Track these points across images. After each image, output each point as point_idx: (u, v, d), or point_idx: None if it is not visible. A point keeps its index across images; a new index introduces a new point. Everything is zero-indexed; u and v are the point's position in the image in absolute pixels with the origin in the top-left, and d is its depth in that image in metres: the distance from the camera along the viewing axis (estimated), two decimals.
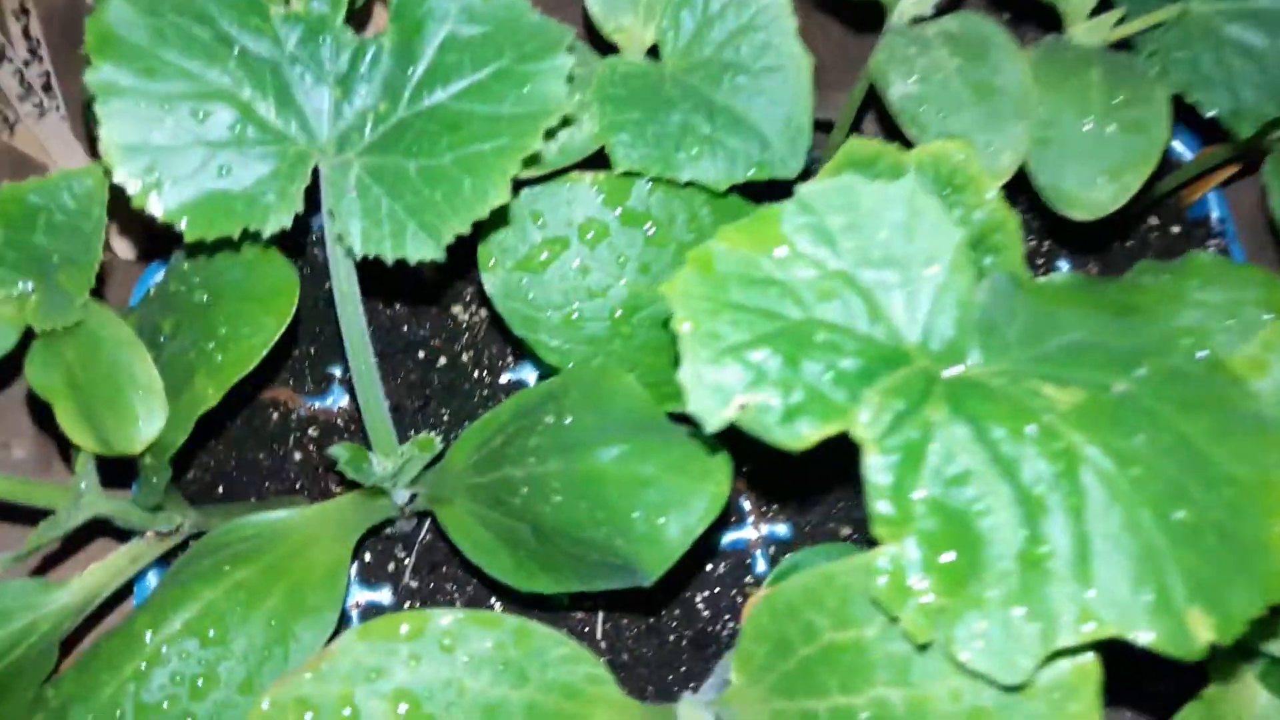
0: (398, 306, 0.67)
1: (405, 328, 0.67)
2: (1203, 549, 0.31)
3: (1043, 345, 0.36)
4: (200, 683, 0.46)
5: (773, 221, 0.36)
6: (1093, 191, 0.45)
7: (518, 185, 0.46)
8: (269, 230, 0.39)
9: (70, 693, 0.46)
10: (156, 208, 0.38)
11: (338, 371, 0.66)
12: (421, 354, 0.67)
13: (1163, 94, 0.47)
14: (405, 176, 0.39)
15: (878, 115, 0.66)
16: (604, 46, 0.48)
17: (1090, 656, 0.33)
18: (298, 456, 0.65)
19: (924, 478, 0.34)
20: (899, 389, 0.34)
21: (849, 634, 0.37)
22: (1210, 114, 0.48)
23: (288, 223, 0.40)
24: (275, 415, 0.66)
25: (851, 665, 0.37)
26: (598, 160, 0.47)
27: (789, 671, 0.39)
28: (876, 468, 0.34)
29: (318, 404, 0.66)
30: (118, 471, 0.54)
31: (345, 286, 0.43)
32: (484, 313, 0.67)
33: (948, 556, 0.33)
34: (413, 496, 0.55)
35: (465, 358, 0.67)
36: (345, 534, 0.53)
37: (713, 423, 0.33)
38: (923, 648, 0.35)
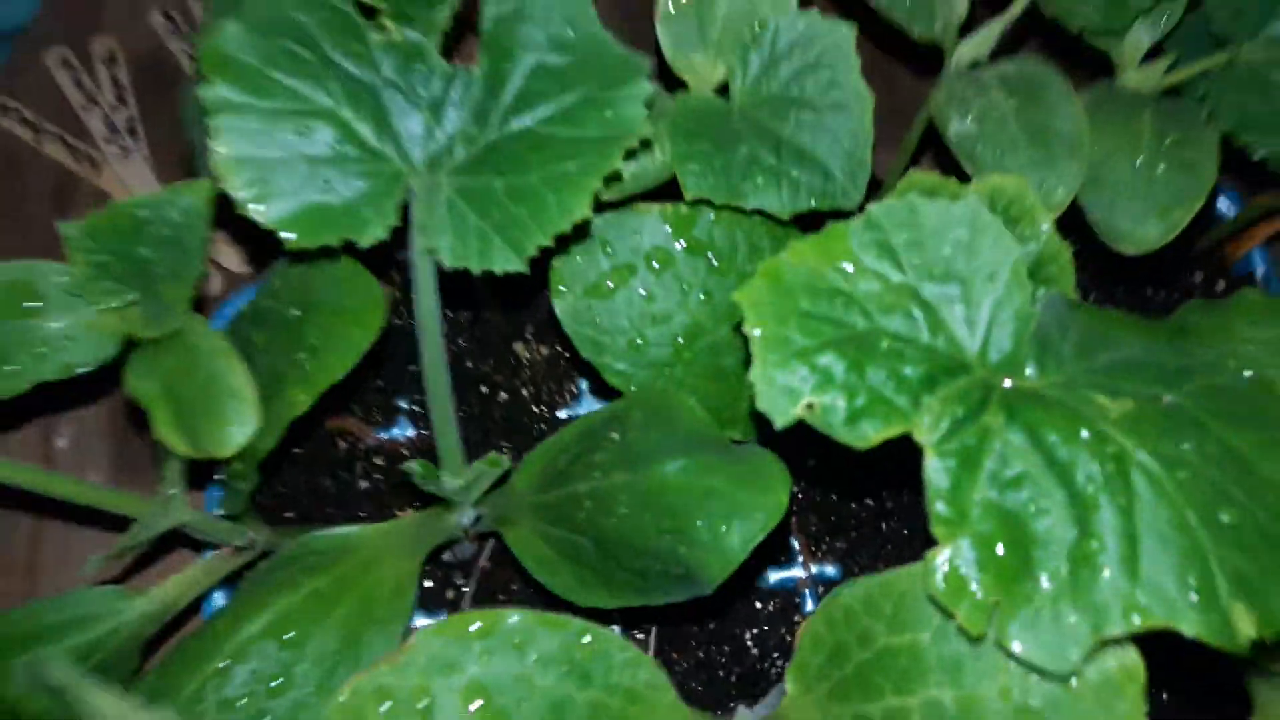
0: (461, 342, 0.70)
1: (469, 362, 0.70)
2: (1246, 549, 0.33)
3: (1095, 360, 0.38)
4: (277, 682, 0.48)
5: (840, 237, 0.38)
6: (1143, 228, 0.47)
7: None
8: (366, 241, 0.42)
9: (155, 688, 0.48)
10: (263, 217, 0.41)
11: (404, 404, 0.69)
12: (484, 389, 0.70)
13: (1211, 136, 0.49)
14: (493, 195, 0.42)
15: (935, 158, 0.68)
16: (674, 83, 0.51)
17: (1135, 656, 0.34)
18: (364, 485, 0.68)
19: (981, 481, 0.35)
20: (959, 396, 0.36)
21: (904, 638, 0.39)
22: (1259, 156, 0.50)
23: (384, 234, 0.42)
24: (343, 445, 0.69)
25: (905, 668, 0.38)
26: (666, 193, 0.50)
27: (844, 678, 0.41)
28: (936, 470, 0.36)
29: (384, 435, 0.69)
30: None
31: (427, 301, 0.46)
32: (544, 350, 0.70)
33: (1002, 554, 0.34)
34: (478, 518, 0.57)
35: (525, 393, 0.70)
36: (412, 550, 0.55)
37: (781, 420, 0.35)
38: (975, 648, 0.36)
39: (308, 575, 0.51)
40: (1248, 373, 0.37)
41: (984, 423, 0.36)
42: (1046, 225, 0.45)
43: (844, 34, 0.47)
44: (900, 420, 0.36)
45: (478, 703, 0.41)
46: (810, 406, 0.35)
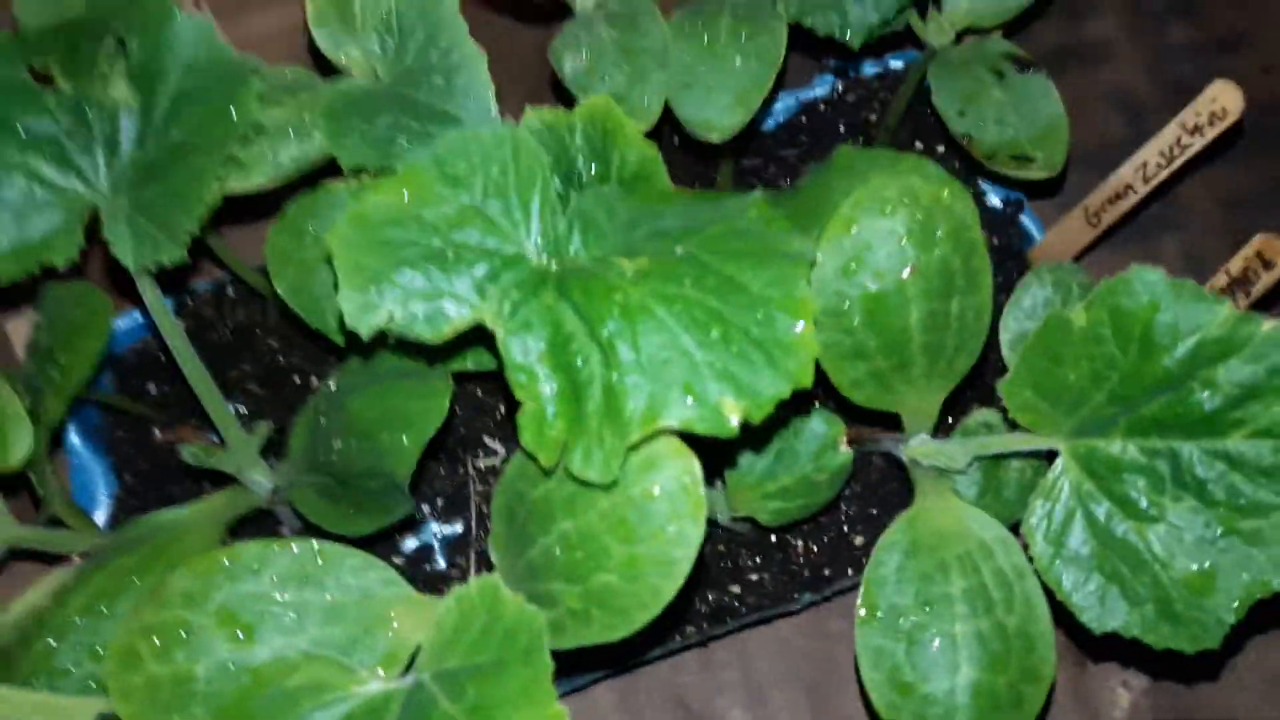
0: (272, 341, 0.78)
1: (281, 358, 0.78)
2: (736, 354, 0.41)
3: (634, 233, 0.46)
4: (99, 648, 0.57)
5: (416, 173, 0.46)
6: (726, 116, 0.55)
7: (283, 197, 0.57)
8: (61, 263, 0.51)
9: None
10: None
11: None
12: (296, 379, 0.78)
13: (778, 23, 0.56)
14: (154, 202, 0.50)
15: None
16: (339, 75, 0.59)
17: (691, 469, 0.42)
18: (208, 485, 0.76)
19: (544, 348, 0.43)
20: (516, 284, 0.44)
21: (540, 490, 0.47)
22: (824, 34, 0.57)
23: (74, 255, 0.51)
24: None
25: (544, 514, 0.47)
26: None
27: (516, 533, 0.49)
28: (509, 347, 0.44)
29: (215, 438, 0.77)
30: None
31: (154, 299, 0.54)
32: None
33: (565, 402, 0.43)
34: (275, 488, 0.65)
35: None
36: (217, 522, 0.63)
37: (366, 330, 0.43)
38: (583, 486, 0.44)
39: (120, 554, 0.59)
40: (755, 213, 0.45)
41: (541, 301, 0.44)
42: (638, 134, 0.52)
43: (448, 5, 0.55)
44: (470, 311, 0.44)
45: (226, 620, 0.49)
46: (391, 317, 0.43)
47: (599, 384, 0.42)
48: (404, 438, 0.50)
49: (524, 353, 0.43)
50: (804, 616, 0.73)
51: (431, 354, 0.57)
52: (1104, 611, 0.45)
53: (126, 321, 0.77)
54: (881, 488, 0.70)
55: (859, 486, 0.70)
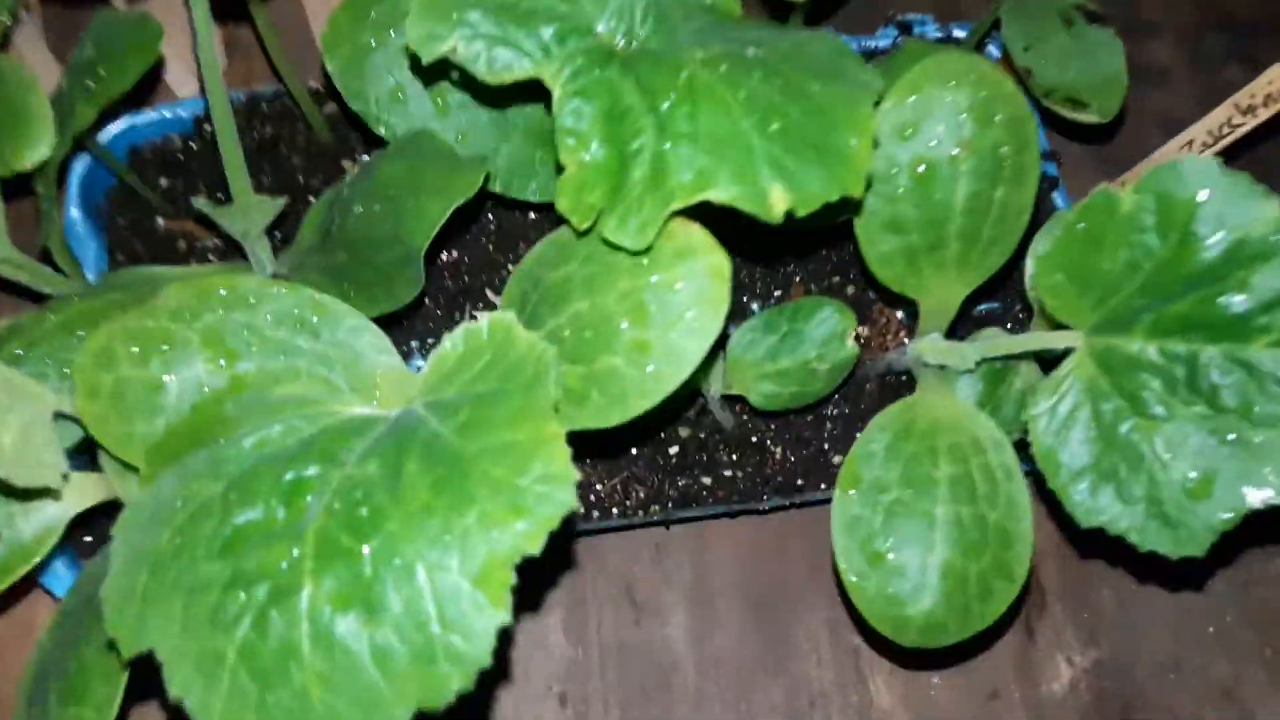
0: (295, 160, 0.77)
1: (301, 178, 0.77)
2: (792, 149, 0.41)
3: (707, 37, 0.46)
4: (67, 369, 0.55)
5: None
6: None
7: None
8: None
9: None
10: None
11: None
12: (313, 199, 0.77)
13: None
14: None
15: None
16: None
17: (721, 265, 0.42)
18: None
19: (598, 114, 0.43)
20: (584, 52, 0.44)
21: (560, 272, 0.46)
22: None
23: None
24: (183, 246, 0.76)
25: (560, 295, 0.46)
26: None
27: (525, 319, 0.48)
28: (564, 110, 0.43)
29: (218, 241, 0.76)
30: None
31: (203, 28, 0.53)
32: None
33: (610, 170, 0.42)
34: (274, 274, 0.64)
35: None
36: None
37: (427, 55, 0.43)
38: (606, 267, 0.44)
39: (106, 291, 0.58)
40: (830, 42, 0.45)
41: (604, 73, 0.44)
42: None
43: None
44: (532, 64, 0.43)
45: (215, 346, 0.48)
46: (454, 49, 0.43)
47: (648, 153, 0.41)
48: (431, 202, 0.49)
49: (577, 117, 0.43)
50: (767, 532, 0.72)
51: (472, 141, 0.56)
52: (1094, 505, 0.45)
53: (151, 116, 0.76)
54: (870, 414, 0.69)
55: (848, 408, 0.69)
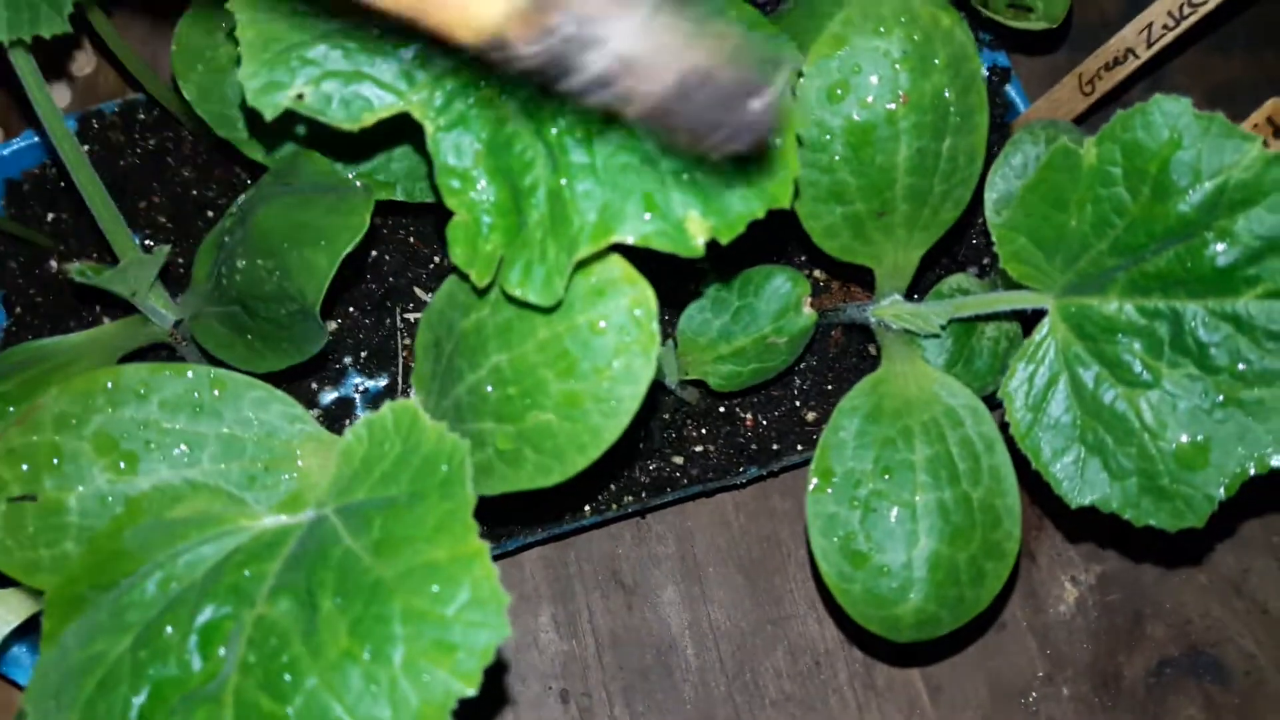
0: (185, 171, 0.71)
1: (194, 190, 0.71)
2: (704, 162, 0.35)
3: None
4: None
5: None
6: None
7: None
8: None
9: None
10: None
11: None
12: (211, 214, 0.71)
13: None
14: None
15: None
16: None
17: (645, 298, 0.37)
18: (106, 319, 0.69)
19: (480, 147, 0.37)
20: (453, 71, 0.38)
21: (471, 319, 0.41)
22: None
23: None
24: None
25: (475, 345, 0.41)
26: None
27: (442, 370, 0.44)
28: (440, 145, 0.38)
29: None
30: None
31: (33, 83, 0.46)
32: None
33: (503, 211, 0.37)
34: (178, 321, 0.59)
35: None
36: (109, 354, 0.57)
37: (271, 112, 0.37)
38: (519, 313, 0.39)
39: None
40: (734, 13, 0.39)
41: (480, 92, 0.38)
42: None
43: None
44: (395, 98, 0.37)
45: (110, 452, 0.44)
46: (300, 96, 0.37)
47: (544, 190, 0.36)
48: (316, 255, 0.44)
49: (457, 153, 0.37)
50: (746, 493, 0.69)
51: (348, 157, 0.51)
52: (1083, 483, 0.41)
53: (22, 141, 0.69)
54: (838, 363, 0.65)
55: (814, 360, 0.65)
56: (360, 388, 0.66)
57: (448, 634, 0.31)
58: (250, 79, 0.36)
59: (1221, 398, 0.39)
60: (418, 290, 0.68)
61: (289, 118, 0.48)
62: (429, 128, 0.37)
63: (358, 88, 0.37)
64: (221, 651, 0.34)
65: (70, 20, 0.44)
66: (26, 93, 0.48)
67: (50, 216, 0.70)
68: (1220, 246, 0.38)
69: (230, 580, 0.35)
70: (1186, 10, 0.56)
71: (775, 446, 0.64)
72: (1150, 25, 0.58)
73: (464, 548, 0.32)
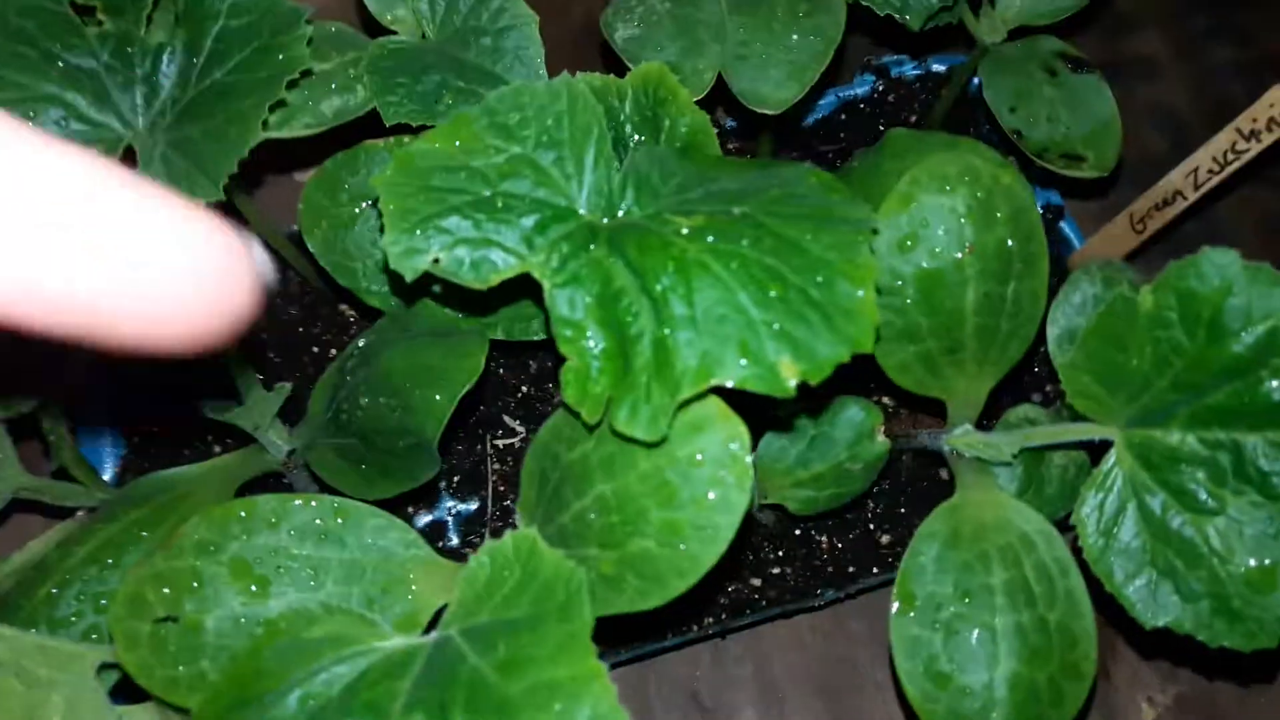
0: (293, 310, 0.77)
1: (301, 328, 0.77)
2: (793, 314, 0.39)
3: (689, 194, 0.44)
4: (103, 601, 0.55)
5: (465, 123, 0.45)
6: (781, 90, 0.54)
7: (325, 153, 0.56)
8: None
9: None
10: None
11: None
12: (316, 349, 0.76)
13: (839, 1, 0.55)
14: (192, 141, 0.48)
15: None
16: (384, 33, 0.58)
17: (739, 433, 0.40)
18: (217, 449, 0.74)
19: (591, 303, 0.42)
20: (566, 236, 0.43)
21: (576, 451, 0.45)
22: (883, 13, 0.56)
23: None
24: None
25: (579, 476, 0.45)
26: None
27: (547, 498, 0.47)
28: (556, 300, 0.42)
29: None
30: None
31: None
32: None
33: (611, 357, 0.41)
34: (292, 451, 0.64)
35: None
36: (229, 482, 0.62)
37: (410, 274, 0.42)
38: (622, 446, 0.43)
39: (128, 508, 0.58)
40: (814, 180, 0.44)
41: (591, 255, 0.43)
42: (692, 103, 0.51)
43: None
44: (518, 261, 0.42)
45: (240, 572, 0.48)
46: (436, 260, 0.42)
47: (649, 339, 0.40)
48: (436, 394, 0.48)
49: (571, 307, 0.42)
50: (822, 615, 0.71)
51: (467, 308, 0.56)
52: (1156, 606, 0.43)
53: None
54: (910, 487, 0.68)
55: (887, 484, 0.68)
56: (452, 510, 0.70)
57: None
58: (393, 245, 0.41)
59: None
60: (506, 418, 0.72)
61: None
62: (546, 285, 0.42)
63: (485, 252, 0.42)
64: None
65: None
66: None
67: None
68: (1275, 384, 0.41)
69: (366, 697, 0.39)
70: (1230, 157, 0.60)
71: (851, 569, 0.66)
72: (1196, 170, 0.62)
73: (584, 667, 0.35)
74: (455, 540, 0.69)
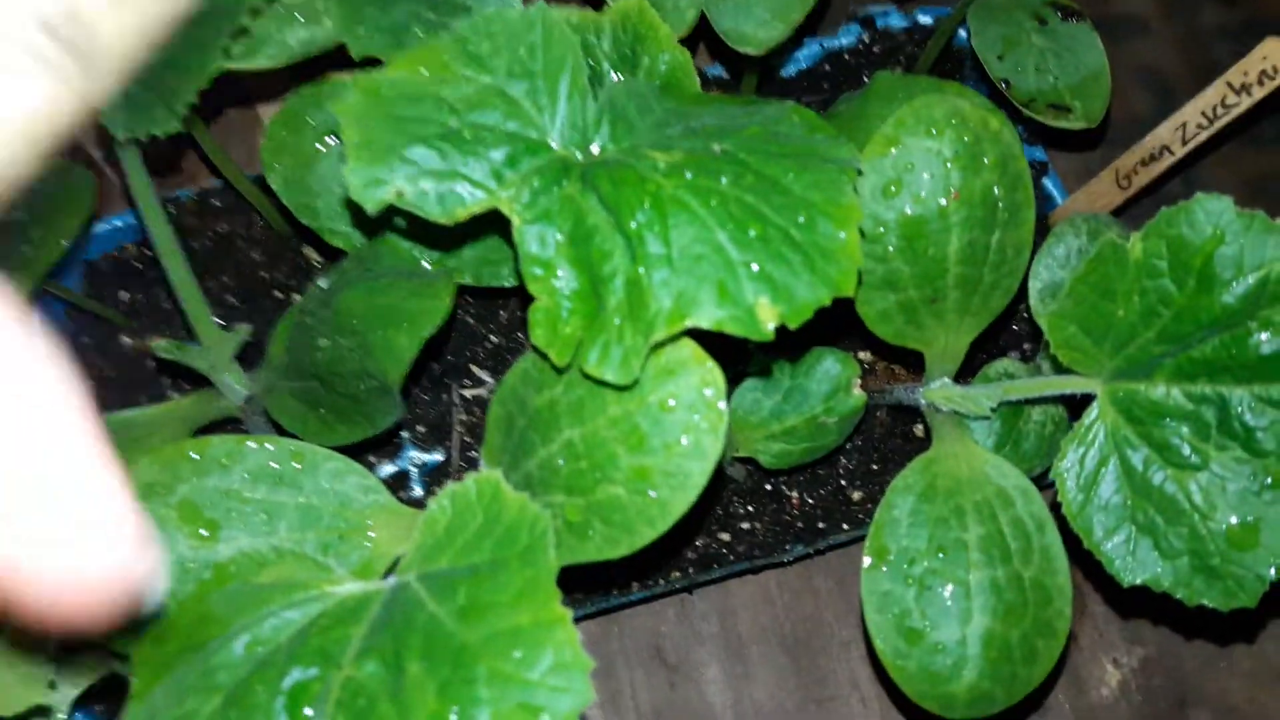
0: (255, 255, 0.74)
1: (263, 273, 0.74)
2: (774, 255, 0.38)
3: (667, 130, 0.42)
4: None
5: (434, 51, 0.43)
6: (766, 30, 0.52)
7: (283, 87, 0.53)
8: None
9: None
10: None
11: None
12: (279, 294, 0.74)
13: None
14: (151, 69, 0.46)
15: None
16: None
17: (714, 378, 0.39)
18: (174, 395, 0.72)
19: (563, 239, 0.40)
20: (537, 171, 0.41)
21: (545, 396, 0.44)
22: None
23: None
24: (150, 365, 0.73)
25: (547, 421, 0.43)
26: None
27: (514, 444, 0.46)
28: (525, 236, 0.40)
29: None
30: None
31: (138, 177, 0.50)
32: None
33: (582, 297, 0.39)
34: (250, 396, 0.62)
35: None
36: (183, 426, 0.59)
37: (372, 206, 0.39)
38: (591, 390, 0.41)
39: None
40: (797, 118, 0.42)
41: (564, 190, 0.41)
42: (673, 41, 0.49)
43: None
44: (486, 195, 0.40)
45: (194, 520, 0.46)
46: (400, 193, 0.40)
47: (622, 278, 0.39)
48: (399, 335, 0.46)
49: (541, 244, 0.40)
50: (789, 573, 0.70)
51: (435, 246, 0.53)
52: (1134, 563, 0.42)
53: (103, 227, 0.73)
54: (884, 444, 0.67)
55: (860, 440, 0.67)
56: (416, 461, 0.68)
57: (532, 697, 0.32)
58: (354, 176, 0.39)
59: (1270, 480, 0.40)
60: (474, 367, 0.70)
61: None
62: (515, 221, 0.40)
63: (452, 185, 0.40)
64: (308, 712, 0.35)
65: None
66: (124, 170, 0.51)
67: (124, 296, 0.74)
68: (1264, 335, 0.39)
69: (316, 644, 0.37)
70: (1220, 111, 0.58)
71: (821, 525, 0.65)
72: (1185, 125, 0.61)
73: (547, 614, 0.34)
74: (419, 491, 0.67)
